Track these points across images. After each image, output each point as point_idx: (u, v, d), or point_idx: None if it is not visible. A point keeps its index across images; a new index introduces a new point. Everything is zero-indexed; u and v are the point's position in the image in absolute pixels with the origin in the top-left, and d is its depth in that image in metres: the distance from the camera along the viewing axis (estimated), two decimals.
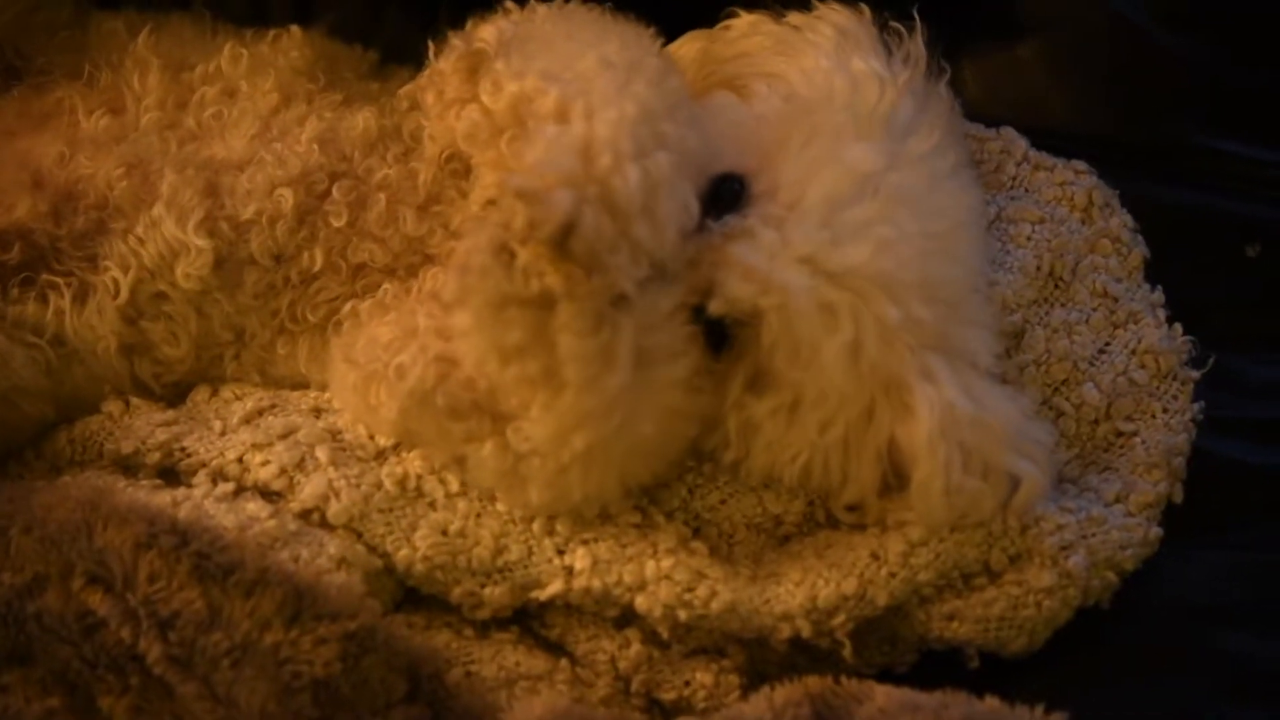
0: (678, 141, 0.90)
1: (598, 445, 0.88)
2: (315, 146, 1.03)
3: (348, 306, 1.01)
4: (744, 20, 1.09)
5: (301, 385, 1.04)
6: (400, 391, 0.93)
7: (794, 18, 1.07)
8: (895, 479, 0.97)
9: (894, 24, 1.03)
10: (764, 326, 0.92)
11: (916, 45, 1.03)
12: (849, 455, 0.97)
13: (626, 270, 0.84)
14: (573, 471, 0.90)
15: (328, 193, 1.02)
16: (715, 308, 0.92)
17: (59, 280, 1.00)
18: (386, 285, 1.01)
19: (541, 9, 1.01)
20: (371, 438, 0.99)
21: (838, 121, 0.97)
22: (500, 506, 0.97)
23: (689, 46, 1.11)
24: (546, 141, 0.85)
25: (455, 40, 0.99)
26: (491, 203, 0.90)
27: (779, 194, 0.93)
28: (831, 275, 0.91)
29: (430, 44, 1.03)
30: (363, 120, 1.05)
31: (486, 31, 0.97)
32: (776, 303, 0.91)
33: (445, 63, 0.99)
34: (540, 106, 0.89)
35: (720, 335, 0.94)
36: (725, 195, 0.94)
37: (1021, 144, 1.20)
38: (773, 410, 0.95)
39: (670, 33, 1.09)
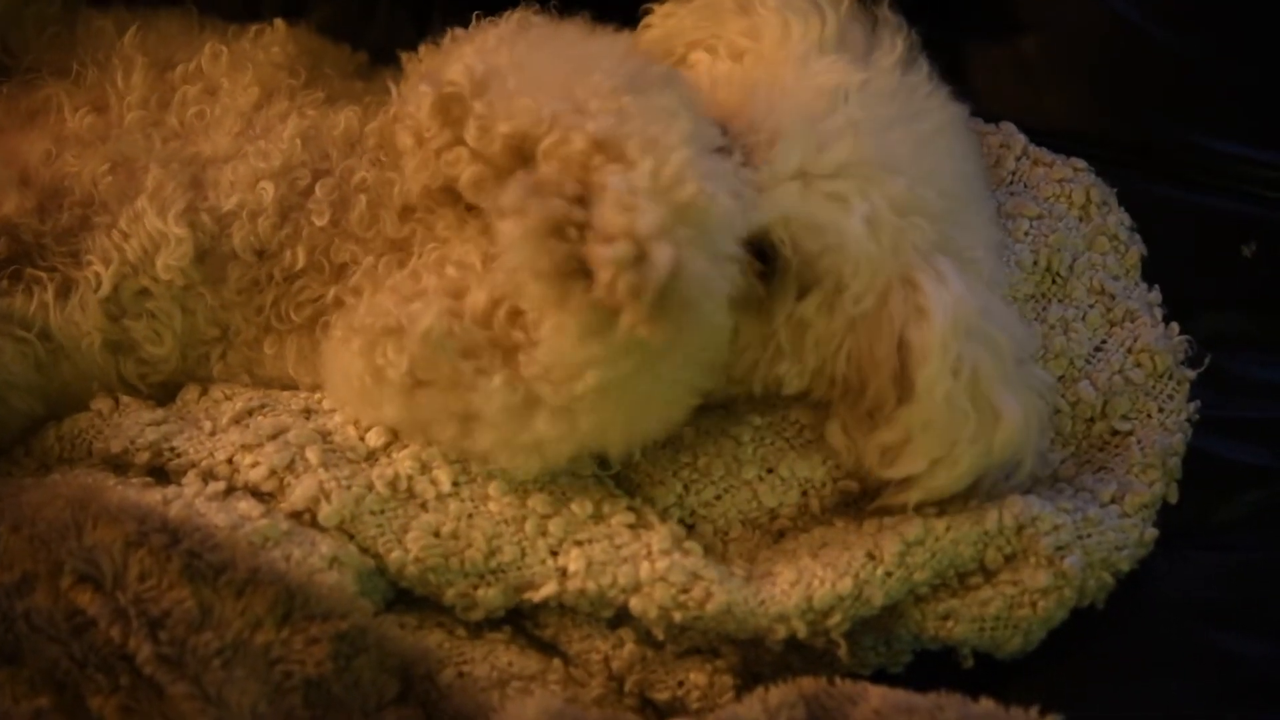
0: (712, 140, 0.92)
1: (613, 382, 0.88)
2: (298, 142, 1.03)
3: (332, 294, 1.00)
4: (659, 11, 1.11)
5: (291, 387, 1.03)
6: (415, 334, 0.92)
7: None
8: (902, 388, 0.97)
9: None
10: (774, 237, 0.95)
11: None
12: (872, 336, 0.98)
13: (720, 293, 0.88)
14: (585, 400, 0.90)
15: (310, 190, 1.02)
16: None
17: (43, 275, 1.00)
18: (371, 259, 1.00)
19: (493, 31, 1.00)
20: (362, 438, 0.99)
21: (798, 52, 1.01)
22: (493, 507, 0.96)
23: None
24: (619, 194, 0.84)
25: (423, 85, 0.96)
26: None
27: (758, 128, 0.97)
28: (827, 175, 0.95)
29: (390, 84, 1.03)
30: (344, 120, 1.05)
31: (454, 72, 0.95)
32: (776, 218, 0.95)
33: (417, 109, 0.97)
34: (568, 145, 0.87)
35: (763, 253, 0.97)
36: None
37: (1020, 139, 1.19)
38: (819, 304, 0.98)
39: None
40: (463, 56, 0.97)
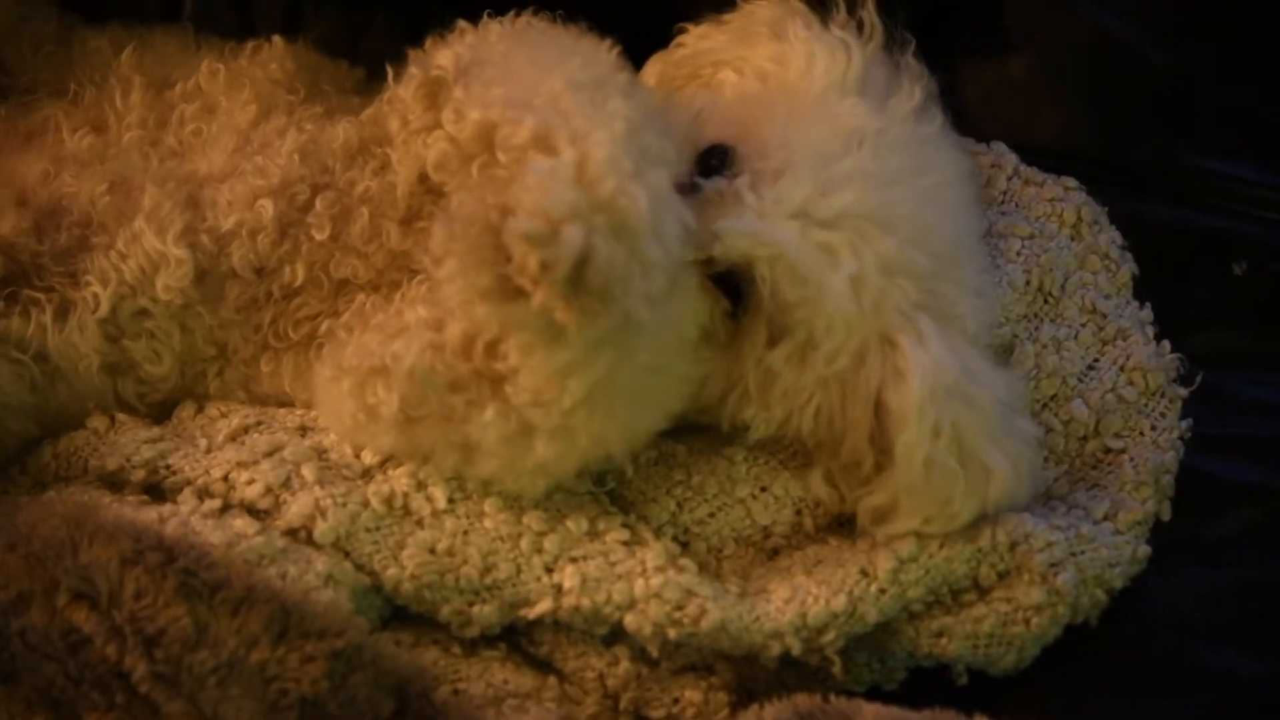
0: (661, 152, 0.90)
1: (597, 386, 0.87)
2: (296, 158, 1.03)
3: (325, 326, 1.00)
4: (693, 32, 1.12)
5: (287, 404, 1.03)
6: (400, 373, 0.91)
7: (727, 15, 1.10)
8: (882, 451, 0.97)
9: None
10: (757, 275, 0.94)
11: (870, 15, 1.06)
12: (846, 396, 0.98)
13: (641, 292, 0.85)
14: (577, 415, 0.88)
15: (310, 205, 1.02)
16: (717, 251, 0.94)
17: (40, 296, 1.00)
18: (362, 297, 1.00)
19: (495, 28, 1.01)
20: (358, 456, 0.98)
21: (820, 86, 1.02)
22: (488, 524, 0.96)
23: (650, 70, 1.13)
24: (539, 176, 0.84)
25: (413, 68, 0.98)
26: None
27: (769, 156, 0.96)
28: (825, 222, 0.94)
29: (389, 69, 1.03)
30: (342, 131, 1.04)
31: (443, 57, 0.96)
32: (768, 254, 0.94)
33: (405, 90, 0.98)
34: (514, 138, 0.87)
35: (735, 290, 0.96)
36: (714, 166, 0.97)
37: (1011, 159, 1.20)
38: (788, 355, 0.97)
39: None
40: (456, 45, 0.98)
